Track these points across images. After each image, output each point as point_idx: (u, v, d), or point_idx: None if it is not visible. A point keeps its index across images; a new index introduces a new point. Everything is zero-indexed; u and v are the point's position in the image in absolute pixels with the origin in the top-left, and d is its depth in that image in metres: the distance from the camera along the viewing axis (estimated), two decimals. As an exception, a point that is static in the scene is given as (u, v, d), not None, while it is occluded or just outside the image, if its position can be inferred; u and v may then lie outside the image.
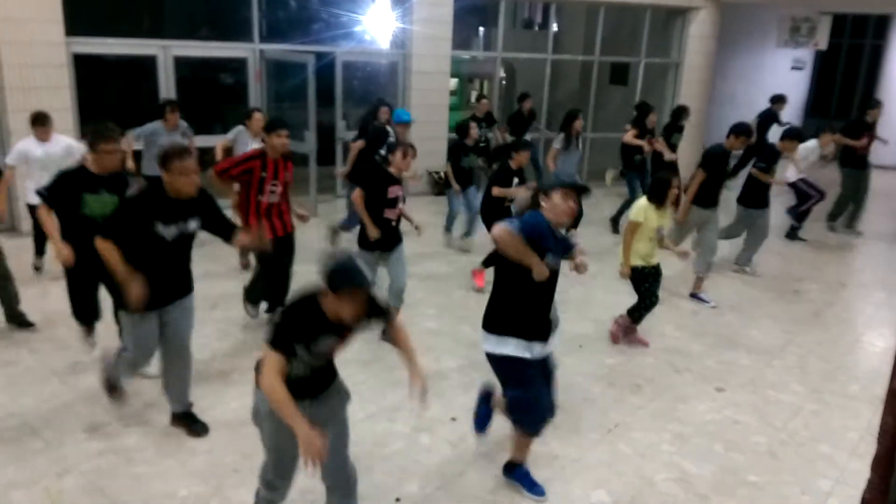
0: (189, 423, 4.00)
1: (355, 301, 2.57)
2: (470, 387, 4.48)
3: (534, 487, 3.58)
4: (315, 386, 2.78)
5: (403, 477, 3.72)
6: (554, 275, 3.32)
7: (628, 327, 5.47)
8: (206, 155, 6.80)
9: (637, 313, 5.36)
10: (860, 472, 2.72)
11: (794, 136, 7.35)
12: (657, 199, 5.15)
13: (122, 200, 3.93)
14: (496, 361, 3.41)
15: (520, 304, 3.33)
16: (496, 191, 6.19)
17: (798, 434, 4.35)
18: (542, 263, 3.20)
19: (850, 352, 5.68)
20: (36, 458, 3.68)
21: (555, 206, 3.29)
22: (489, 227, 6.15)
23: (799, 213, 8.61)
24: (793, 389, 4.93)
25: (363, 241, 5.05)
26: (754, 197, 6.99)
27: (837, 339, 5.88)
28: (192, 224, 3.68)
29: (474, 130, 7.75)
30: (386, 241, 5.07)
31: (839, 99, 16.16)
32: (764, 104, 11.28)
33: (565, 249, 3.49)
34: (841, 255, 8.41)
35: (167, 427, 4.03)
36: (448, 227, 7.87)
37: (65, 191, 4.15)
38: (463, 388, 4.60)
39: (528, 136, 9.78)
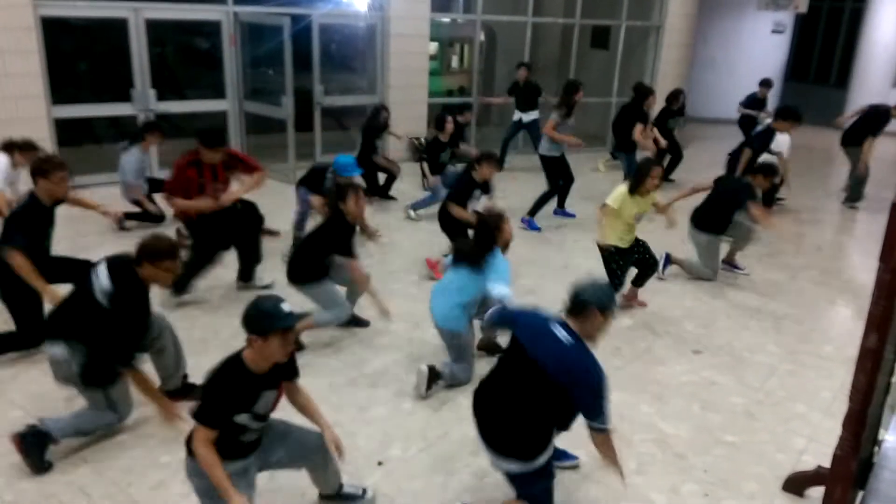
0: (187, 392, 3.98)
1: (286, 341, 2.65)
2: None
3: (565, 456, 3.59)
4: (260, 440, 2.88)
5: (386, 440, 3.75)
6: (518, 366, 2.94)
7: (630, 290, 5.64)
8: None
9: (641, 280, 5.50)
10: (833, 430, 2.78)
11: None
12: (634, 187, 5.10)
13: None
14: None
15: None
16: (455, 211, 5.84)
17: (773, 394, 4.43)
18: None
19: (825, 314, 5.78)
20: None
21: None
22: (448, 233, 5.95)
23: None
24: (769, 351, 5.02)
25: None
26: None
27: (812, 301, 5.97)
28: None
29: (450, 125, 7.68)
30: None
31: (818, 63, 16.15)
32: (744, 68, 11.16)
33: None
34: (819, 221, 8.50)
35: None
36: (415, 207, 7.55)
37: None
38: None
39: (534, 113, 9.46)
